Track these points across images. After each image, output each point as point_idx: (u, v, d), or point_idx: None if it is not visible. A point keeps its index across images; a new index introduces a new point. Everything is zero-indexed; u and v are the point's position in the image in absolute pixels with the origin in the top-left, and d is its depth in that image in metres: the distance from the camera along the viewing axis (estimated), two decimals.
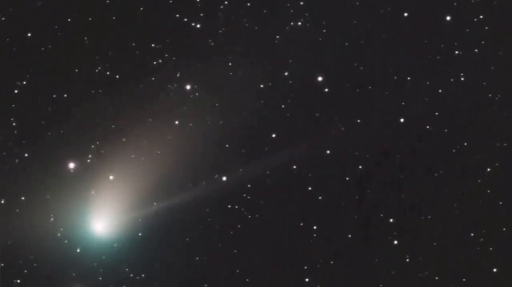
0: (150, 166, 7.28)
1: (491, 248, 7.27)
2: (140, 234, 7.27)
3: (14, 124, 7.24)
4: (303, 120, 7.38)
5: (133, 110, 7.31)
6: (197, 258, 7.30)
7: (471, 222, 7.30)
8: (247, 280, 7.29)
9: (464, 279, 7.26)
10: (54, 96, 7.27)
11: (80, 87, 7.30)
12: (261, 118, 7.34)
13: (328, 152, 7.34)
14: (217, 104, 7.33)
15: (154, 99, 7.32)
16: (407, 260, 7.31)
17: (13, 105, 7.23)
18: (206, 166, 7.31)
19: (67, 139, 7.28)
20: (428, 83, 7.35)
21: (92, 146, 7.28)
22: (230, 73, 7.34)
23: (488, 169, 7.32)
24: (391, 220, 7.32)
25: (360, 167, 7.35)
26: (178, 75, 7.34)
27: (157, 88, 7.32)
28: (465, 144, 7.35)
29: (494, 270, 7.26)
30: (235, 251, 7.30)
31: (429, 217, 7.33)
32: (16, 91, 7.23)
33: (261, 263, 7.32)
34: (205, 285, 7.30)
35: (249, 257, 7.31)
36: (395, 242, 7.32)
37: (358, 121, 7.35)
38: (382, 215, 7.33)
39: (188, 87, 7.34)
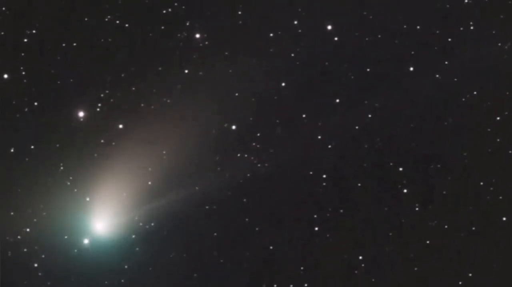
0: (160, 115, 7.28)
1: (501, 197, 7.27)
2: (150, 183, 7.28)
3: (23, 73, 7.22)
4: (314, 69, 7.37)
5: (142, 59, 7.30)
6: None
7: (481, 170, 7.29)
8: (257, 228, 7.29)
9: (473, 228, 7.27)
10: (64, 45, 7.25)
11: (90, 36, 7.28)
12: (271, 67, 7.33)
13: (337, 101, 7.33)
14: (227, 53, 7.32)
15: (164, 47, 7.31)
16: (417, 208, 7.31)
17: (23, 54, 7.22)
18: (216, 114, 7.31)
19: (76, 88, 7.27)
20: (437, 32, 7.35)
21: (102, 95, 7.27)
22: (240, 22, 7.33)
23: (498, 118, 7.32)
24: (400, 169, 7.33)
25: (369, 115, 7.34)
26: (187, 24, 7.33)
27: (167, 36, 7.31)
28: (475, 93, 7.35)
29: (504, 219, 7.26)
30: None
31: (438, 165, 7.33)
32: (25, 40, 7.22)
33: (270, 216, 7.32)
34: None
35: (260, 207, 7.31)
36: (405, 190, 7.32)
37: (368, 69, 7.35)
38: (391, 164, 7.32)
39: (197, 35, 7.33)
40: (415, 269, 7.26)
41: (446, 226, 7.30)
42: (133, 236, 7.27)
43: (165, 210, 7.29)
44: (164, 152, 7.27)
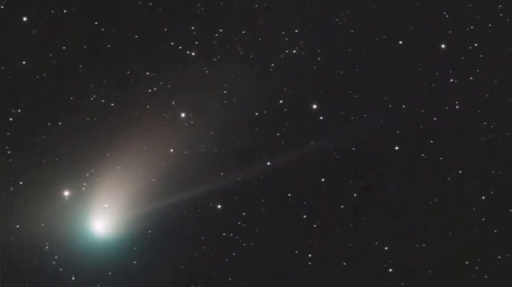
0: (145, 194, 7.29)
1: (486, 276, 7.28)
2: (135, 262, 7.29)
3: (8, 152, 7.23)
4: (298, 147, 7.38)
5: (127, 138, 7.31)
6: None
7: (466, 250, 7.30)
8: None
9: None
10: (49, 124, 7.27)
11: (75, 115, 7.29)
12: (256, 146, 7.34)
13: (323, 180, 7.34)
14: (212, 132, 7.33)
15: (149, 126, 7.32)
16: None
17: (8, 133, 7.23)
18: (202, 193, 7.32)
19: (61, 167, 7.28)
20: (423, 111, 7.35)
21: (87, 174, 7.28)
22: (225, 101, 7.34)
23: (483, 197, 7.32)
24: (386, 248, 7.33)
25: (354, 195, 7.35)
26: (173, 103, 7.34)
27: (152, 116, 7.32)
28: (460, 172, 7.35)
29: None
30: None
31: (424, 245, 7.33)
32: (10, 119, 7.23)
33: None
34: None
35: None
36: (390, 270, 7.32)
37: (353, 149, 7.36)
38: (376, 243, 7.33)
39: (183, 115, 7.34)
40: None
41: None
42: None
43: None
44: (149, 231, 7.28)
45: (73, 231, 7.26)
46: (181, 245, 7.33)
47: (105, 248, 7.26)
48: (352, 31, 7.39)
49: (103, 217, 7.26)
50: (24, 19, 7.26)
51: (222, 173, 7.35)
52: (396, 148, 7.35)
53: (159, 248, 7.31)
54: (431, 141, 7.37)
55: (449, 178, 7.36)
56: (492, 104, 7.35)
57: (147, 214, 7.31)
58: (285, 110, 7.36)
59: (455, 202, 7.34)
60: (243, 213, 7.35)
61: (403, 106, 7.36)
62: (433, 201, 7.36)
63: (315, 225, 7.35)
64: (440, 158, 7.37)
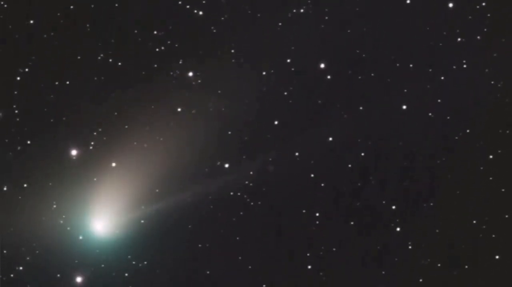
0: (153, 153, 7.28)
1: (493, 235, 7.27)
2: (142, 221, 7.28)
3: (16, 111, 7.23)
4: (306, 107, 7.38)
5: (135, 97, 7.30)
6: (200, 246, 7.31)
7: (473, 209, 7.29)
8: (250, 267, 7.29)
9: (466, 266, 7.26)
10: (57, 83, 7.26)
11: (83, 74, 7.29)
12: (263, 105, 7.34)
13: (330, 139, 7.33)
14: (219, 91, 7.33)
15: (156, 85, 7.31)
16: (410, 247, 7.31)
17: (16, 92, 7.23)
18: (209, 153, 7.31)
19: (69, 126, 7.28)
20: (430, 70, 7.34)
21: (95, 133, 7.28)
22: (233, 60, 7.33)
23: (491, 156, 7.31)
24: (393, 207, 7.32)
25: (362, 154, 7.34)
26: (180, 62, 7.33)
27: (160, 75, 7.32)
28: (467, 131, 7.34)
29: (497, 257, 7.26)
30: (237, 238, 7.30)
31: (431, 204, 7.33)
32: (18, 78, 7.23)
33: (264, 251, 7.32)
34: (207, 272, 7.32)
35: (251, 245, 7.31)
36: (398, 229, 7.32)
37: (361, 108, 7.35)
38: (384, 202, 7.32)
39: (190, 74, 7.34)
40: None
41: (438, 265, 7.30)
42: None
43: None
44: (157, 190, 7.27)
45: (81, 189, 7.25)
46: (189, 205, 7.32)
47: (112, 209, 7.25)
48: None
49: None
50: None
51: (229, 132, 7.34)
52: (404, 107, 7.35)
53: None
54: (439, 100, 7.36)
55: (456, 137, 7.36)
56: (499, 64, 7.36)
57: (155, 176, 7.30)
58: (293, 69, 7.36)
59: (462, 161, 7.34)
60: (251, 172, 7.34)
61: (410, 65, 7.35)
62: (441, 159, 7.35)
63: (322, 185, 7.35)
64: (448, 117, 7.36)
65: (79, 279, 7.22)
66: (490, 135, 7.35)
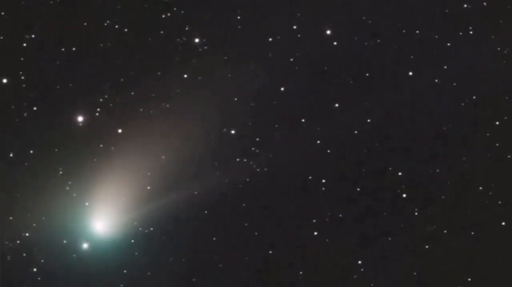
0: (159, 119, 7.28)
1: (499, 202, 7.28)
2: (148, 187, 7.29)
3: (22, 77, 7.23)
4: (313, 73, 7.38)
5: (141, 64, 7.30)
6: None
7: (480, 175, 7.30)
8: (256, 233, 7.29)
9: (472, 233, 7.26)
10: (63, 49, 7.26)
11: (89, 41, 7.28)
12: (270, 71, 7.33)
13: (336, 105, 7.33)
14: (226, 58, 7.32)
15: (163, 52, 7.31)
16: (416, 213, 7.31)
17: (22, 59, 7.22)
18: (215, 119, 7.31)
19: (75, 92, 7.28)
20: (436, 36, 7.35)
21: (101, 100, 7.27)
22: (239, 27, 7.33)
23: (497, 123, 7.32)
24: (399, 173, 7.33)
25: (368, 120, 7.34)
26: (187, 29, 7.33)
27: (166, 41, 7.31)
28: (474, 97, 7.35)
29: (503, 223, 7.26)
30: (243, 204, 7.30)
31: (437, 170, 7.33)
32: (24, 44, 7.22)
33: (270, 218, 7.32)
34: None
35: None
36: (404, 195, 7.32)
37: (367, 74, 7.35)
38: (390, 169, 7.32)
39: (197, 40, 7.33)
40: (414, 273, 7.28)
41: (445, 230, 7.29)
42: (132, 241, 7.27)
43: (164, 213, 7.29)
44: (163, 157, 7.27)
45: (87, 156, 7.25)
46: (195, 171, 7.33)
47: (119, 177, 7.26)
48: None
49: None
50: None
51: (235, 99, 7.34)
52: (410, 73, 7.35)
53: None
54: (445, 67, 7.36)
55: (463, 104, 7.36)
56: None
57: (162, 143, 7.30)
58: (299, 35, 7.35)
59: (470, 127, 7.34)
60: (257, 139, 7.34)
61: (417, 32, 7.36)
62: (447, 126, 7.36)
63: (329, 151, 7.34)
64: (454, 84, 7.37)
65: (85, 245, 7.22)
66: (496, 102, 7.35)
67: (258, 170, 7.29)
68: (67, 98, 7.26)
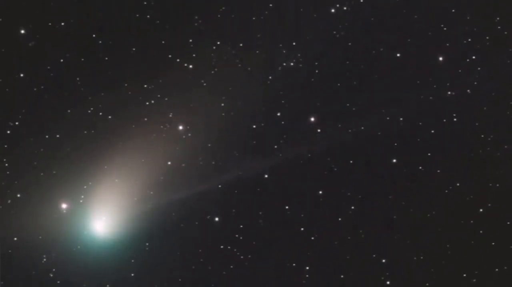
0: (143, 207, 7.29)
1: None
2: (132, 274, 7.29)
3: (6, 164, 7.23)
4: (295, 159, 7.39)
5: (125, 150, 7.31)
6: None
7: (464, 262, 7.30)
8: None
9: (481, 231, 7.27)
10: (47, 136, 7.26)
11: (73, 128, 7.29)
12: (254, 159, 7.34)
13: (320, 192, 7.34)
14: (209, 145, 7.34)
15: (147, 139, 7.32)
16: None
17: (6, 146, 7.23)
18: (199, 205, 7.33)
19: (59, 179, 7.28)
20: (420, 123, 7.36)
21: (85, 186, 7.28)
22: (223, 114, 7.34)
23: (481, 210, 7.32)
24: (383, 261, 7.33)
25: (352, 207, 7.35)
26: (170, 116, 7.34)
27: (150, 128, 7.32)
28: (458, 184, 7.35)
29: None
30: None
31: (421, 257, 7.34)
32: (8, 132, 7.23)
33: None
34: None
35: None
36: (388, 282, 7.33)
37: (351, 161, 7.36)
38: (374, 256, 7.33)
39: (181, 127, 7.34)
40: None
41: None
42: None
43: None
44: (147, 244, 7.29)
45: (71, 243, 7.26)
46: (179, 257, 7.33)
47: (104, 259, 7.26)
48: (349, 44, 7.40)
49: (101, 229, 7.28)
50: (22, 31, 7.26)
51: (219, 186, 7.35)
52: (394, 160, 7.36)
53: (157, 261, 7.32)
54: (429, 154, 7.37)
55: (446, 191, 7.36)
56: (489, 117, 7.36)
57: (145, 227, 7.31)
58: (283, 122, 7.37)
59: (453, 214, 7.34)
60: (241, 226, 7.35)
61: (401, 119, 7.36)
62: (431, 213, 7.36)
63: (312, 238, 7.35)
64: (438, 171, 7.37)
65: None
66: (481, 190, 7.36)
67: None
68: (51, 185, 7.27)
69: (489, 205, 7.33)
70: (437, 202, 7.36)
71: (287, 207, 7.35)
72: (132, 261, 7.30)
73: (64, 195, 7.27)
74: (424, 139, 7.37)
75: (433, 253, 7.34)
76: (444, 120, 7.38)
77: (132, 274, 7.29)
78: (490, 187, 7.35)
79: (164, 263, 7.33)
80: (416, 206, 7.38)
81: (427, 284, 7.33)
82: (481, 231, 7.33)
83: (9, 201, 7.21)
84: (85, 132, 7.30)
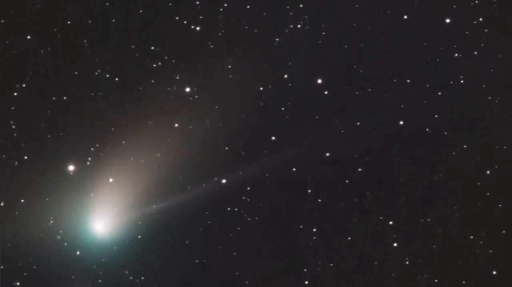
0: (150, 168, 7.28)
1: (490, 251, 7.28)
2: (139, 236, 7.28)
3: (13, 126, 7.23)
4: (303, 122, 7.38)
5: (132, 112, 7.31)
6: (197, 261, 7.32)
7: (470, 225, 7.30)
8: (246, 282, 7.29)
9: (463, 282, 7.26)
10: (54, 98, 7.26)
11: (80, 90, 7.29)
12: (260, 120, 7.34)
13: (327, 154, 7.34)
14: (216, 107, 7.33)
15: (153, 101, 7.31)
16: (407, 262, 7.31)
17: (13, 108, 7.23)
18: (206, 168, 7.32)
19: (66, 141, 7.28)
20: (427, 85, 7.35)
21: (92, 149, 7.28)
22: (230, 76, 7.33)
23: (488, 172, 7.32)
24: (390, 223, 7.32)
25: (359, 169, 7.35)
26: (177, 78, 7.34)
27: (157, 90, 7.32)
28: (465, 146, 7.35)
29: (494, 272, 7.26)
30: (234, 253, 7.31)
31: (428, 219, 7.33)
32: (15, 94, 7.23)
33: (261, 265, 7.32)
34: None
35: (248, 260, 7.31)
36: (395, 244, 7.32)
37: (358, 123, 7.35)
38: (381, 218, 7.32)
39: (187, 89, 7.34)
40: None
41: (436, 280, 7.30)
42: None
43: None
44: (154, 206, 7.28)
45: (78, 205, 7.26)
46: (186, 219, 7.32)
47: (109, 225, 7.26)
48: (356, 6, 7.39)
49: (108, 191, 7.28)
50: None
51: (226, 148, 7.34)
52: (401, 122, 7.35)
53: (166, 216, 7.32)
54: (436, 116, 7.37)
55: (453, 153, 7.36)
56: (496, 79, 7.36)
57: (151, 191, 7.30)
58: (290, 84, 7.36)
59: (459, 176, 7.34)
60: (248, 188, 7.34)
61: (408, 81, 7.36)
62: (438, 176, 7.36)
63: (319, 200, 7.35)
64: (445, 133, 7.36)
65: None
66: (487, 152, 7.36)
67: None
68: (57, 147, 7.27)
69: (496, 167, 7.33)
70: (444, 163, 7.34)
71: (294, 169, 7.34)
72: (139, 222, 7.29)
73: (71, 157, 7.27)
74: (430, 101, 7.35)
75: (440, 216, 7.33)
76: (451, 82, 7.37)
77: (139, 236, 7.29)
78: (497, 149, 7.34)
79: (172, 223, 7.33)
80: (423, 168, 7.37)
81: (434, 246, 7.32)
82: (488, 193, 7.32)
83: (16, 163, 7.21)
84: (92, 94, 7.30)
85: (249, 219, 7.33)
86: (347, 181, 7.36)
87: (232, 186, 7.31)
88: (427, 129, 7.37)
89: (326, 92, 7.36)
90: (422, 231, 7.34)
